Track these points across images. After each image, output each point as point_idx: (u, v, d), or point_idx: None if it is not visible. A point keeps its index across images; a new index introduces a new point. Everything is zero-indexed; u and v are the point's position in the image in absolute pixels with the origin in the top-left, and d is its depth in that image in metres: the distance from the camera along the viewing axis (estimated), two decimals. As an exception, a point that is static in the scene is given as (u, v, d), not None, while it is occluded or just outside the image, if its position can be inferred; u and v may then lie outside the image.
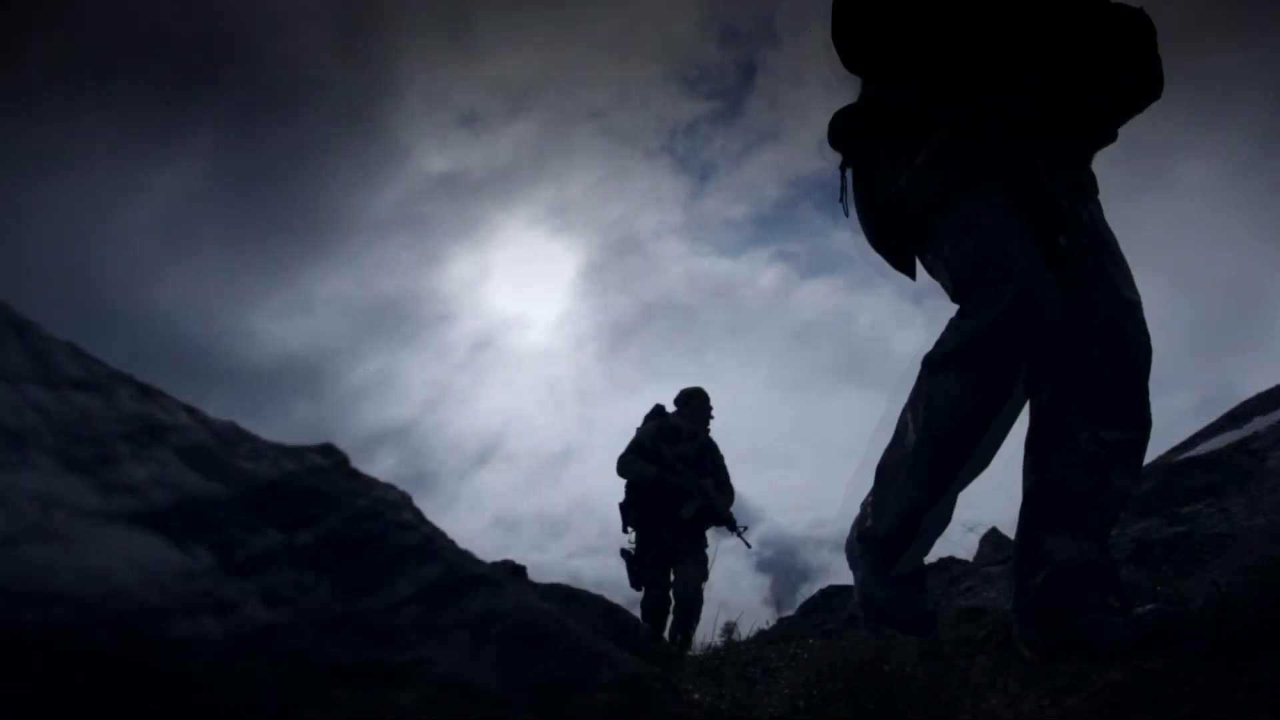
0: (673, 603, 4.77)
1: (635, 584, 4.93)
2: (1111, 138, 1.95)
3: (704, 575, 4.93)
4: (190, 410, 0.75)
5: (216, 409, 0.79)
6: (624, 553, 5.05)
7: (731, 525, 5.11)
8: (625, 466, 5.12)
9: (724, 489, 5.22)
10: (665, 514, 4.95)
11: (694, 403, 5.39)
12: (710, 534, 5.22)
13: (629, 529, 5.16)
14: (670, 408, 5.56)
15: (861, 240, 2.16)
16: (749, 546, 4.99)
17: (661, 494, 4.98)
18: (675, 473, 5.05)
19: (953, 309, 1.78)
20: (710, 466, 5.23)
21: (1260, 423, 5.48)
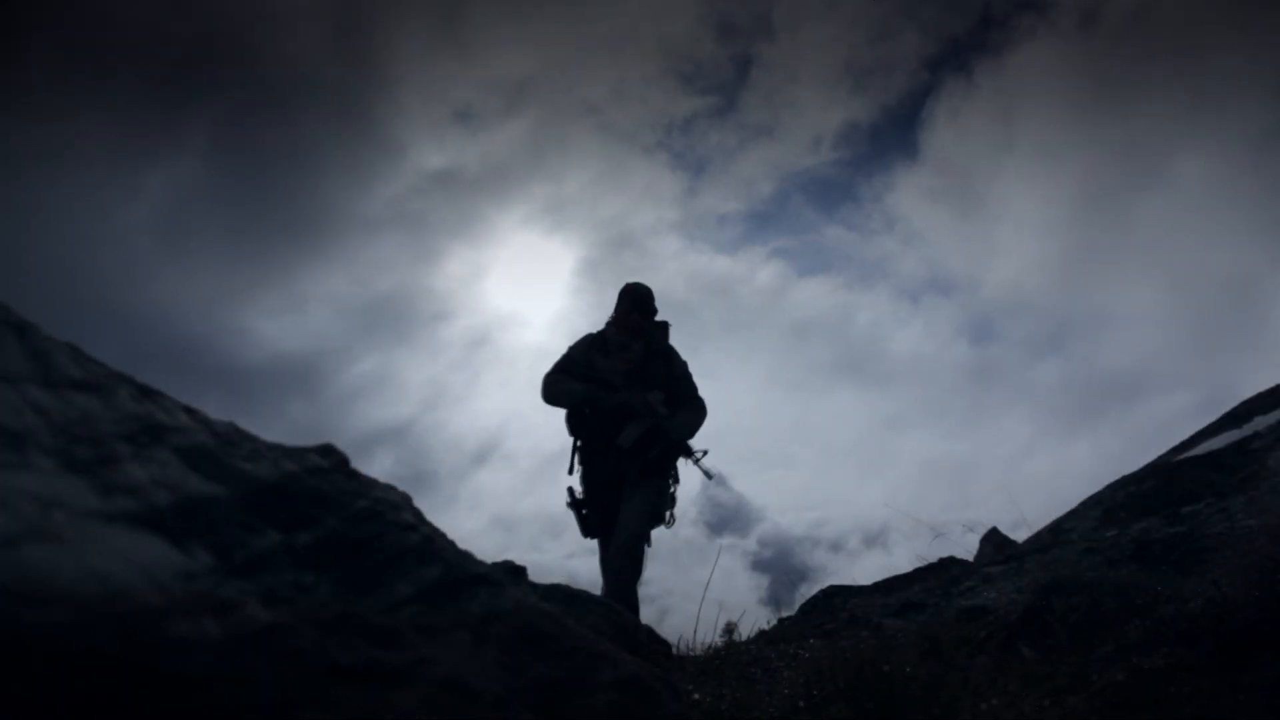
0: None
1: (585, 531, 4.04)
2: None
3: (647, 520, 3.88)
4: (190, 411, 0.76)
5: (210, 408, 0.79)
6: (570, 496, 4.06)
7: (685, 451, 4.00)
8: (548, 388, 4.01)
9: (688, 405, 4.08)
10: (609, 443, 3.95)
11: (622, 302, 4.13)
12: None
13: (574, 469, 4.13)
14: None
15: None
16: (709, 477, 3.97)
17: (601, 419, 3.94)
18: (613, 390, 3.96)
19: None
20: (661, 378, 4.07)
21: (1260, 422, 5.48)
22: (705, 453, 4.03)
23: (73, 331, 0.72)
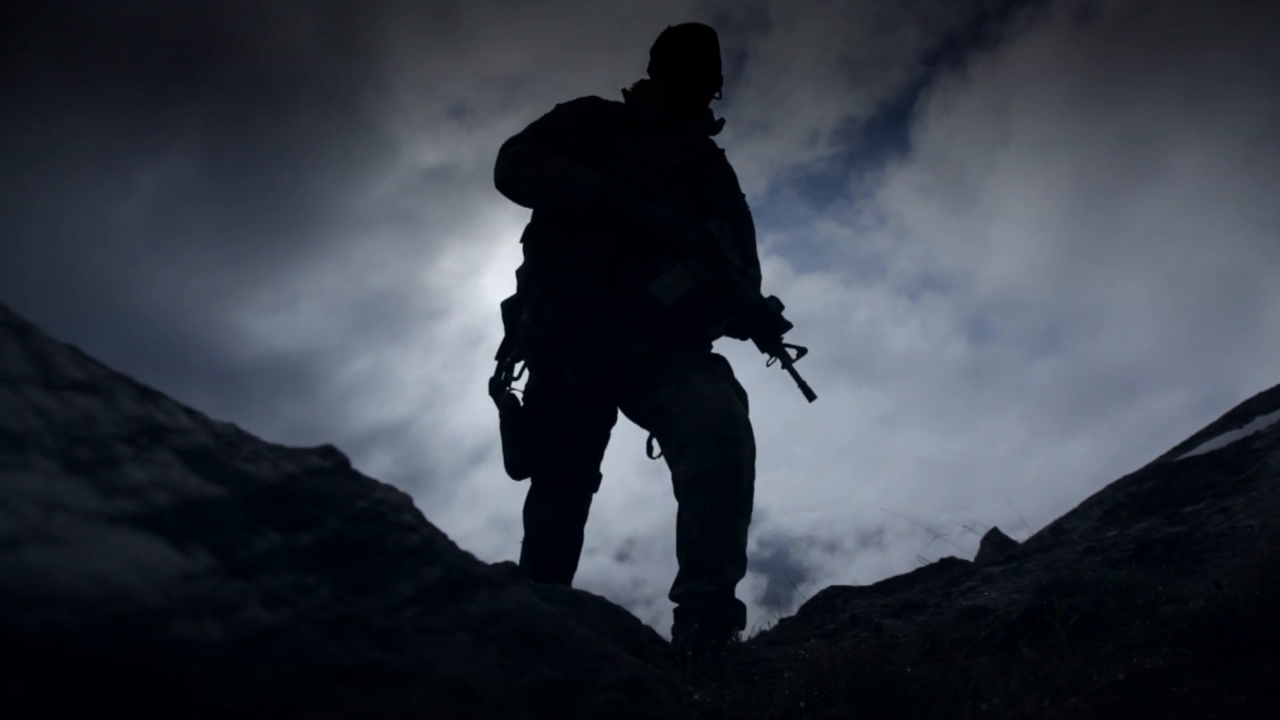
0: (679, 442, 2.00)
1: (514, 460, 2.20)
2: None
3: (740, 395, 2.12)
4: (190, 412, 0.76)
5: (204, 408, 0.79)
6: (494, 388, 2.25)
7: (774, 338, 2.21)
8: (519, 161, 2.14)
9: (748, 258, 2.32)
10: (614, 295, 2.13)
11: (672, 46, 2.28)
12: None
13: (513, 349, 2.26)
14: None
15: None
16: (810, 396, 2.15)
17: (617, 242, 2.13)
18: (650, 196, 2.12)
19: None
20: (721, 203, 2.32)
21: (1261, 422, 5.48)
22: (805, 351, 2.18)
23: (64, 331, 0.72)
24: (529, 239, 2.27)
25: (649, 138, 2.21)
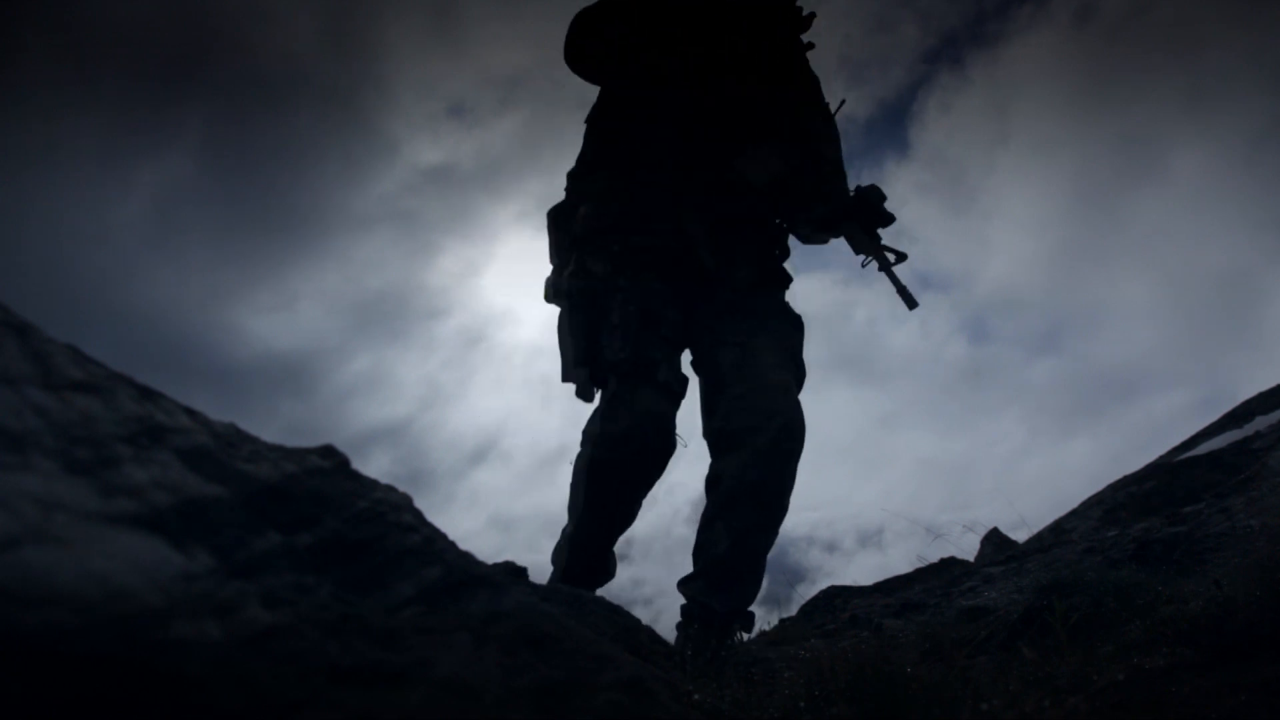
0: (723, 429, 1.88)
1: (582, 359, 1.91)
2: None
3: (800, 375, 1.96)
4: (190, 412, 0.76)
5: (202, 408, 0.79)
6: (552, 289, 2.06)
7: (873, 240, 1.99)
8: (597, 33, 1.94)
9: (835, 166, 2.10)
10: (689, 183, 1.92)
11: None
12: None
13: (571, 251, 2.03)
14: None
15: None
16: (911, 304, 1.92)
17: (688, 120, 1.93)
18: (737, 77, 1.96)
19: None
20: (802, 110, 2.09)
21: (1261, 422, 5.49)
22: (904, 256, 1.94)
23: (64, 331, 0.72)
24: (596, 120, 2.04)
25: (731, 26, 1.95)
